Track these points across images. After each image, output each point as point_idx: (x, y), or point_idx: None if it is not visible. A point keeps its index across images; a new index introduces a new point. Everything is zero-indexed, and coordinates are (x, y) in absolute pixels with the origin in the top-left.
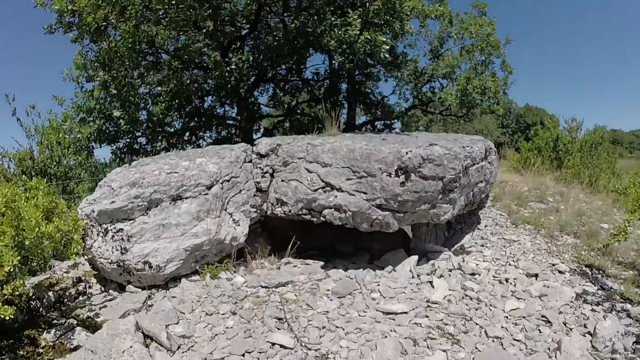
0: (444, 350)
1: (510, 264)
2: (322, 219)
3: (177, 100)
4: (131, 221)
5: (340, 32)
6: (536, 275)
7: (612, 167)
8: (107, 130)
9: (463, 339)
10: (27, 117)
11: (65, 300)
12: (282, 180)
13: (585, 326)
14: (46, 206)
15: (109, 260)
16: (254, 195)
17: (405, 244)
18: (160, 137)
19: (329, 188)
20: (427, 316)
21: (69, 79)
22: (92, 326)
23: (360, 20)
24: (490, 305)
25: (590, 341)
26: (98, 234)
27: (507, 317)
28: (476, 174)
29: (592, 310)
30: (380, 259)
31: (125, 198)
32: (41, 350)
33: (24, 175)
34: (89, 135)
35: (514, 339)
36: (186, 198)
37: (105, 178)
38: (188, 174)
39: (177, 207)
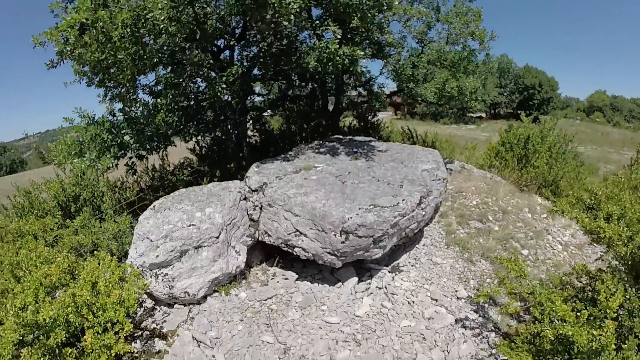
0: (350, 350)
1: (424, 287)
2: (294, 252)
3: (180, 113)
4: (171, 267)
5: (321, 45)
6: (436, 300)
7: (577, 172)
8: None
9: (363, 344)
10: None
11: (135, 317)
12: (268, 219)
13: (447, 345)
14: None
15: (162, 293)
16: (249, 226)
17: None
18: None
19: (298, 233)
20: (349, 325)
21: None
22: (161, 335)
23: (340, 30)
24: (392, 321)
25: (444, 355)
26: (151, 276)
27: (397, 331)
28: (407, 222)
29: (462, 334)
30: (339, 271)
31: (165, 252)
32: (136, 355)
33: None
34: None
35: (393, 348)
36: (205, 247)
37: (141, 228)
38: (204, 227)
39: (200, 254)
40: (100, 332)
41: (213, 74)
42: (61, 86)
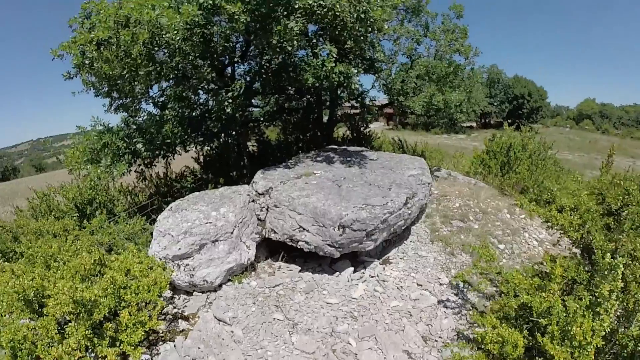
0: (348, 324)
1: (411, 275)
2: (298, 245)
3: (186, 124)
4: (191, 258)
5: (317, 63)
6: (421, 285)
7: (557, 177)
8: (132, 161)
9: (359, 319)
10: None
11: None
12: (274, 218)
13: (430, 320)
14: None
15: (183, 281)
16: (257, 225)
17: (354, 253)
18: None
19: (302, 229)
20: (347, 305)
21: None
22: (183, 317)
23: (336, 49)
24: (383, 302)
25: (428, 328)
26: (174, 267)
27: (388, 310)
28: (395, 219)
29: (444, 312)
30: (336, 264)
31: (186, 245)
32: (162, 334)
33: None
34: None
35: (384, 322)
36: (221, 240)
37: (161, 225)
38: (219, 224)
39: (217, 247)
40: (135, 311)
41: (218, 89)
42: (52, 95)
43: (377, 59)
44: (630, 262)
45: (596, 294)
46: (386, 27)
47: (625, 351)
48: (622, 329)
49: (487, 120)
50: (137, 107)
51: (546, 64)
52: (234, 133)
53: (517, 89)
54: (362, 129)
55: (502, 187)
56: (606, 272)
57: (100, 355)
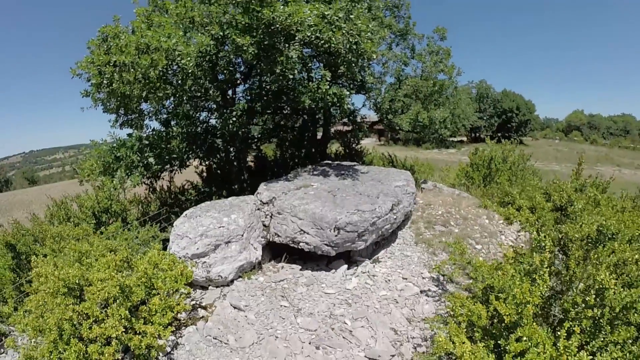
0: (344, 308)
1: (397, 271)
2: (299, 247)
3: (190, 140)
4: (207, 257)
5: (313, 86)
6: (406, 279)
7: (536, 186)
8: (145, 173)
9: (353, 305)
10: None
11: None
12: (278, 223)
13: (414, 306)
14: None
15: (201, 277)
16: (262, 229)
17: (348, 254)
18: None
19: (303, 232)
20: (342, 295)
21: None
22: (202, 307)
23: (330, 73)
24: (373, 292)
25: (411, 311)
26: (193, 265)
27: (377, 298)
28: (382, 223)
29: (425, 299)
30: (332, 263)
31: (203, 246)
32: (183, 321)
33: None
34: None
35: (374, 307)
36: (233, 242)
37: (179, 229)
38: (231, 227)
39: (229, 247)
40: (164, 297)
41: (223, 108)
42: (43, 109)
43: (367, 82)
44: (571, 244)
45: (532, 264)
46: (374, 56)
47: (569, 314)
48: (565, 296)
49: (477, 135)
50: (142, 123)
51: (536, 77)
52: (233, 149)
53: (505, 103)
54: (354, 145)
55: (483, 196)
56: (539, 248)
57: (138, 331)
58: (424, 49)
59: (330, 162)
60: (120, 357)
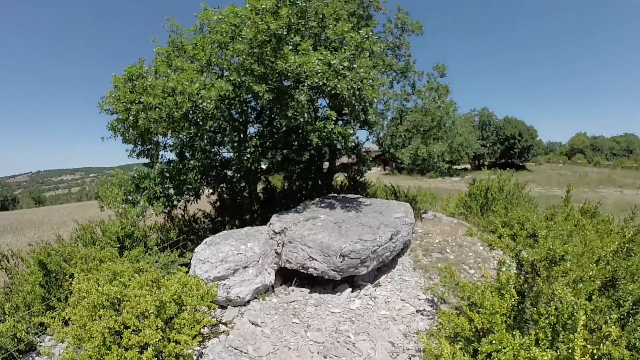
0: (348, 325)
1: (396, 293)
2: (308, 272)
3: (205, 172)
4: (227, 279)
5: (320, 125)
6: (404, 300)
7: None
8: (167, 203)
9: (356, 322)
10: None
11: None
12: (289, 251)
13: (410, 323)
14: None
15: (222, 297)
16: (275, 257)
17: (352, 279)
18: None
19: (312, 259)
20: (347, 313)
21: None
22: (222, 323)
23: (335, 113)
24: (374, 311)
25: (407, 328)
26: (215, 286)
27: (377, 316)
28: (382, 250)
29: (421, 317)
30: (338, 287)
31: (224, 270)
32: (206, 335)
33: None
34: (158, 213)
35: (374, 323)
36: (250, 267)
37: (200, 255)
38: (248, 254)
39: (247, 272)
40: (193, 312)
41: (238, 145)
42: (52, 130)
43: (369, 120)
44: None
45: (501, 281)
46: (376, 100)
47: (537, 325)
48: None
49: (480, 162)
50: (158, 153)
51: (538, 102)
52: (245, 181)
53: (507, 130)
54: (358, 177)
55: (480, 225)
56: (504, 268)
57: (172, 340)
58: (424, 86)
59: (336, 194)
60: None
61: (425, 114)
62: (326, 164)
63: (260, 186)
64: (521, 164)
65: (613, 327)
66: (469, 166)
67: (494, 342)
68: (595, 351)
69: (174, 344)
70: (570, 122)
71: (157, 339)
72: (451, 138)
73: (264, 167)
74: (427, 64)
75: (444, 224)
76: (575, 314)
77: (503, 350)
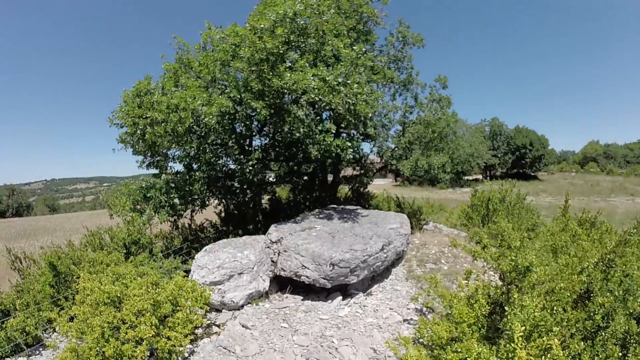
0: (334, 331)
1: (385, 302)
2: (300, 280)
3: (211, 184)
4: (222, 285)
5: (320, 138)
6: (392, 309)
7: (532, 223)
8: (171, 212)
9: (342, 328)
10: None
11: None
12: (284, 259)
13: (396, 330)
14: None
15: (217, 300)
16: (270, 264)
17: (345, 288)
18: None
19: (304, 267)
20: (334, 320)
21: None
22: (215, 325)
23: (335, 126)
24: (361, 319)
25: (392, 336)
26: (210, 290)
27: (364, 324)
28: (373, 260)
29: (407, 326)
30: (330, 295)
31: (220, 276)
32: (199, 335)
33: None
34: (162, 221)
35: (359, 330)
36: (245, 273)
37: (199, 261)
38: (244, 262)
39: (241, 278)
40: (187, 312)
41: (241, 157)
42: (65, 139)
43: (369, 132)
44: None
45: (472, 293)
46: (370, 115)
47: (504, 334)
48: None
49: (491, 173)
50: (167, 165)
51: (550, 111)
52: (250, 192)
53: (518, 140)
54: (361, 189)
55: (474, 235)
56: (476, 281)
57: (164, 337)
58: (427, 97)
59: (335, 206)
60: (146, 359)
61: (427, 125)
62: (330, 176)
63: (266, 197)
64: (533, 174)
65: (555, 339)
66: (480, 177)
67: (459, 350)
68: None
69: (167, 339)
70: (583, 130)
71: (151, 335)
72: (452, 149)
73: (271, 179)
74: (432, 75)
75: (443, 234)
76: (538, 325)
77: (467, 359)
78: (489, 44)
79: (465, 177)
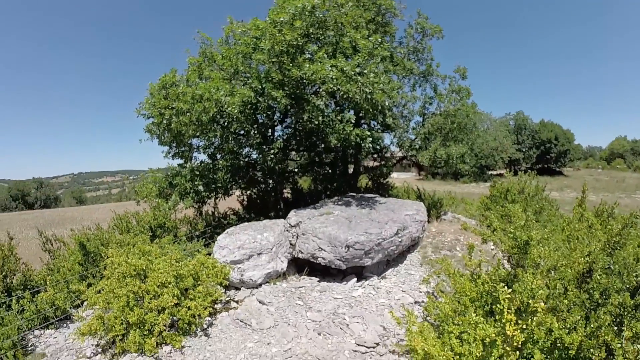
0: (346, 309)
1: (398, 285)
2: (317, 261)
3: (234, 172)
4: (242, 263)
5: (340, 128)
6: (405, 291)
7: (552, 214)
8: (196, 198)
9: (354, 307)
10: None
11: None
12: (302, 242)
13: (406, 309)
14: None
15: (236, 279)
16: (289, 247)
17: (360, 271)
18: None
19: (320, 249)
20: (347, 299)
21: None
22: (234, 301)
23: (354, 116)
24: (373, 299)
25: (402, 316)
26: (230, 269)
27: (376, 304)
28: (387, 244)
29: (417, 307)
30: (346, 277)
31: (240, 255)
32: (218, 309)
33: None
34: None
35: (371, 309)
36: (263, 254)
37: (221, 242)
38: (263, 243)
39: (260, 258)
40: (207, 286)
41: (263, 145)
42: (92, 133)
43: (388, 123)
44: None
45: (474, 268)
46: (387, 104)
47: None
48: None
49: (516, 167)
50: (192, 155)
51: (577, 106)
52: (272, 181)
53: (543, 134)
54: (381, 180)
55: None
56: (473, 254)
57: (185, 307)
58: (446, 89)
59: (354, 194)
60: (167, 329)
61: (446, 116)
62: (351, 167)
63: (288, 187)
64: (558, 169)
65: (541, 302)
66: (504, 171)
67: (460, 323)
68: (524, 327)
69: (187, 309)
70: (611, 126)
71: (173, 304)
72: (472, 140)
73: (292, 168)
74: (452, 66)
75: (461, 223)
76: (535, 296)
77: (468, 332)
78: (514, 37)
79: (490, 172)
